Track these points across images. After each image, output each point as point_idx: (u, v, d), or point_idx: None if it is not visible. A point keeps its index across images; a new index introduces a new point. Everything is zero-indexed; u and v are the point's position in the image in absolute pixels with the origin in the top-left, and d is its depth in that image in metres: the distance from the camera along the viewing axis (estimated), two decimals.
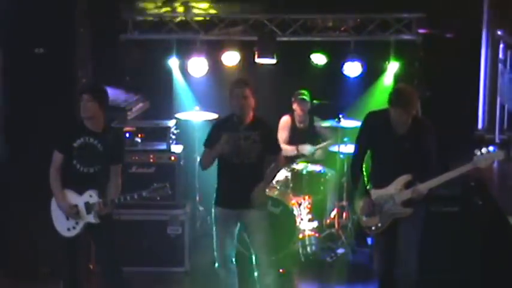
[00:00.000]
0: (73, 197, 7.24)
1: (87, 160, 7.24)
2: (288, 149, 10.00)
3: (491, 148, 6.83)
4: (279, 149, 7.65)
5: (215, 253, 7.55)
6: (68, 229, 7.31)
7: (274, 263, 8.72)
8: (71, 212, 7.21)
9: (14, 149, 8.60)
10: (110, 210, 7.29)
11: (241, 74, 10.60)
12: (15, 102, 8.61)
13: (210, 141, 7.46)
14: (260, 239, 7.49)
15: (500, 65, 10.02)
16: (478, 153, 6.83)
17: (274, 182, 9.75)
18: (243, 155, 7.31)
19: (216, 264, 7.57)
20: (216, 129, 7.49)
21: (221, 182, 7.50)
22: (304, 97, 10.15)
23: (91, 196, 7.21)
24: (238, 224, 7.51)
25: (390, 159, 7.11)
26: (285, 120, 10.27)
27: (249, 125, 7.37)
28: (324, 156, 10.30)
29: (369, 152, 7.36)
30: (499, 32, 9.82)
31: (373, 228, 7.31)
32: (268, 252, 7.58)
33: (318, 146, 10.24)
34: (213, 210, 7.58)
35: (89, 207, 7.20)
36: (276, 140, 7.83)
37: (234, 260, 7.57)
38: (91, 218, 7.23)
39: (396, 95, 7.00)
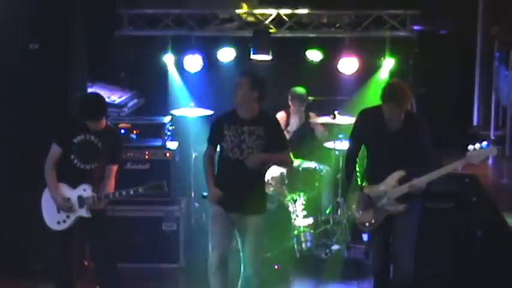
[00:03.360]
0: (66, 190, 7.26)
1: (85, 157, 7.26)
2: None
3: (484, 144, 6.84)
4: (286, 145, 7.29)
5: (210, 252, 7.34)
6: (58, 222, 7.31)
7: (267, 259, 8.77)
8: (63, 205, 7.21)
9: (7, 144, 8.57)
10: (103, 206, 7.29)
11: (236, 71, 10.62)
12: (9, 97, 8.58)
13: (213, 137, 7.20)
14: (252, 249, 7.12)
15: (495, 62, 10.04)
16: (472, 148, 6.83)
17: (269, 178, 9.78)
18: (247, 152, 6.97)
19: (210, 264, 7.19)
20: (219, 124, 7.16)
21: (222, 179, 7.14)
22: (300, 94, 10.14)
23: (85, 190, 7.22)
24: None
25: (384, 156, 7.11)
26: (281, 116, 10.26)
27: (253, 120, 7.04)
28: (326, 132, 10.23)
29: (364, 148, 7.37)
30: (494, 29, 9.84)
31: (366, 224, 7.32)
32: (259, 255, 7.24)
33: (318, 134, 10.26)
34: (211, 207, 7.24)
35: (82, 200, 7.21)
36: (282, 135, 7.40)
37: (228, 262, 7.24)
38: (83, 212, 7.23)
39: (389, 91, 7.00)
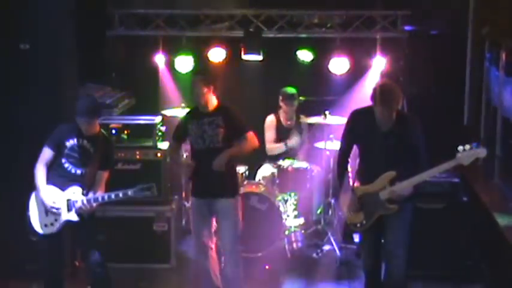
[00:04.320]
0: (55, 193, 7.25)
1: (76, 161, 7.27)
2: (276, 147, 10.04)
3: (474, 145, 6.84)
4: (244, 130, 7.68)
5: (193, 240, 7.74)
6: (46, 225, 7.30)
7: (258, 259, 8.79)
8: (52, 208, 7.20)
9: None
10: (92, 209, 7.28)
11: (227, 71, 10.62)
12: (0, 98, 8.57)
13: (175, 134, 7.89)
14: (226, 226, 7.59)
15: (486, 63, 10.05)
16: (461, 149, 6.84)
17: (260, 178, 9.80)
18: (208, 140, 7.51)
19: (194, 251, 7.75)
20: (182, 122, 7.86)
21: (194, 170, 7.65)
22: (291, 94, 10.15)
23: (74, 193, 7.22)
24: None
25: (376, 156, 7.12)
26: (271, 119, 10.27)
27: (212, 111, 7.59)
28: (307, 151, 10.29)
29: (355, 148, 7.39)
30: (484, 29, 9.85)
31: (358, 225, 7.32)
32: (234, 241, 7.62)
33: (304, 136, 10.28)
34: (190, 199, 7.88)
35: (70, 204, 7.20)
36: (240, 122, 7.72)
37: (212, 247, 7.76)
38: (71, 216, 7.22)
39: (379, 93, 7.00)
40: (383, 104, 6.96)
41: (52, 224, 7.29)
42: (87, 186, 7.28)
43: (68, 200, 7.22)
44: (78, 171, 7.28)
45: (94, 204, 7.25)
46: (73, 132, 7.28)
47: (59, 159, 7.27)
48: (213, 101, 7.61)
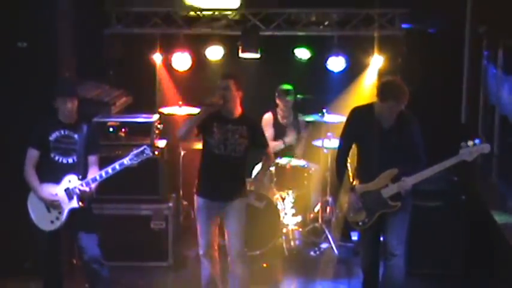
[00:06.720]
0: (52, 188, 7.28)
1: (64, 151, 7.34)
2: (275, 144, 10.02)
3: (477, 141, 6.84)
4: (266, 145, 7.69)
5: (199, 240, 7.60)
6: (52, 221, 7.32)
7: (256, 258, 8.80)
8: (53, 202, 7.22)
9: None
10: (92, 191, 7.33)
11: (225, 69, 10.60)
12: None
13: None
14: (235, 227, 7.50)
15: (483, 61, 10.04)
16: (464, 145, 6.83)
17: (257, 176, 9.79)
18: (230, 148, 7.36)
19: (200, 252, 7.61)
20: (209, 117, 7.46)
21: (205, 172, 7.55)
22: (287, 91, 10.14)
23: (70, 181, 7.26)
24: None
25: (376, 154, 7.09)
26: (268, 117, 10.25)
27: (237, 119, 7.42)
28: (305, 149, 10.29)
29: (354, 147, 7.37)
30: (482, 28, 9.85)
31: (360, 223, 7.30)
32: (242, 242, 7.54)
33: (302, 133, 10.27)
34: (195, 199, 7.62)
35: (69, 192, 7.23)
36: (263, 134, 7.80)
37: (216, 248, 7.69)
38: (74, 204, 7.26)
39: (388, 88, 6.98)
40: (393, 99, 6.92)
41: (58, 218, 7.33)
42: (82, 173, 7.32)
43: (66, 189, 7.26)
44: (70, 160, 7.35)
45: (93, 185, 7.32)
46: (53, 125, 7.36)
47: (47, 154, 7.32)
48: (238, 108, 7.47)
